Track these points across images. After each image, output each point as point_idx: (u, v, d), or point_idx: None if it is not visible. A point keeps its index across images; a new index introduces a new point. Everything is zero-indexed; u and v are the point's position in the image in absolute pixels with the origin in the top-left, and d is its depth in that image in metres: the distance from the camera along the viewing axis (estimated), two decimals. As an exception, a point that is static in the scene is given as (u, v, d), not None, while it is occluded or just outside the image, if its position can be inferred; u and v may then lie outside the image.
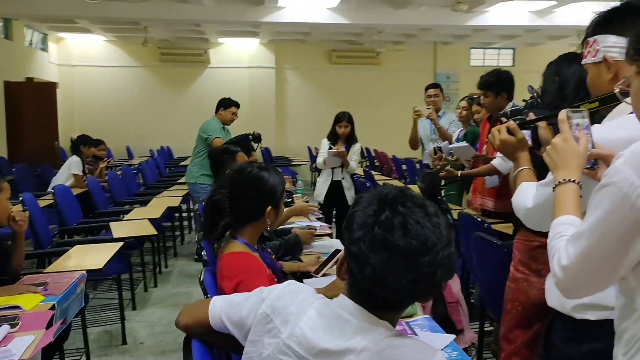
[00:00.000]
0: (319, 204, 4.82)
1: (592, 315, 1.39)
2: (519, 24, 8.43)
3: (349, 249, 0.98)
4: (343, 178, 4.95)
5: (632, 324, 1.04)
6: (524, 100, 2.19)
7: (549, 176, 1.35)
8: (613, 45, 1.38)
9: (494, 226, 2.99)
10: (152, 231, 3.83)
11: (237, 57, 11.23)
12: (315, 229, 3.04)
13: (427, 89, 5.03)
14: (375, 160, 10.44)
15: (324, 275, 2.30)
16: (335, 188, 4.91)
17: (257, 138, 4.91)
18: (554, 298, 1.50)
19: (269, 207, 1.78)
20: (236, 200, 1.77)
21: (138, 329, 3.78)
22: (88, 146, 6.09)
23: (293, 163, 10.06)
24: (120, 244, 3.23)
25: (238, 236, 1.77)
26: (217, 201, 1.78)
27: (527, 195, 1.43)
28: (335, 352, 0.98)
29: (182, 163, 9.53)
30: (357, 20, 8.07)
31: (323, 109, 11.29)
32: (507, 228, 2.99)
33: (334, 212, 4.98)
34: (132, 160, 9.84)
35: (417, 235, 0.94)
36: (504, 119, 1.87)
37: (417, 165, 7.47)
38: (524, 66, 11.53)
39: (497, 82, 3.51)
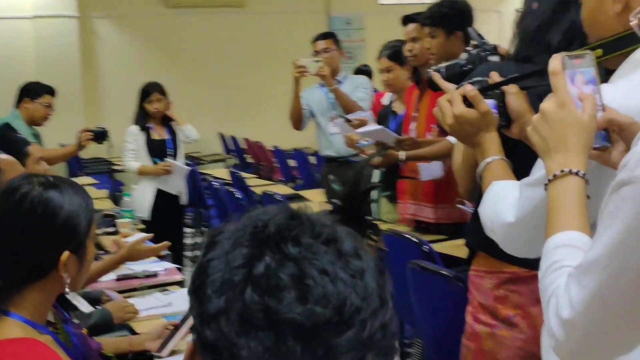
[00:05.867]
0: (143, 223, 3.70)
1: None
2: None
3: (201, 332, 0.59)
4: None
5: None
6: (466, 50, 1.64)
7: (539, 169, 1.04)
8: None
9: (436, 246, 2.43)
10: None
11: (14, 2, 7.71)
12: (155, 274, 2.50)
13: (315, 41, 4.06)
14: (246, 155, 7.77)
15: (171, 354, 1.80)
16: (168, 198, 3.88)
17: (101, 135, 3.68)
18: None
19: (66, 253, 1.18)
20: (3, 244, 1.17)
21: None
22: None
23: (115, 166, 6.67)
24: None
25: (11, 309, 1.18)
26: None
27: (504, 202, 1.09)
28: None
29: None
30: None
31: (159, 75, 7.60)
32: (457, 248, 2.39)
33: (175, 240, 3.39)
34: None
35: (326, 296, 0.58)
36: (437, 77, 1.50)
37: (313, 160, 6.09)
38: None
39: (451, 15, 2.69)
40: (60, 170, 6.86)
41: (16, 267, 1.15)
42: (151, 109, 3.84)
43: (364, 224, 1.51)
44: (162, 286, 2.42)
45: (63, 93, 7.17)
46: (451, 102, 1.16)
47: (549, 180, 0.89)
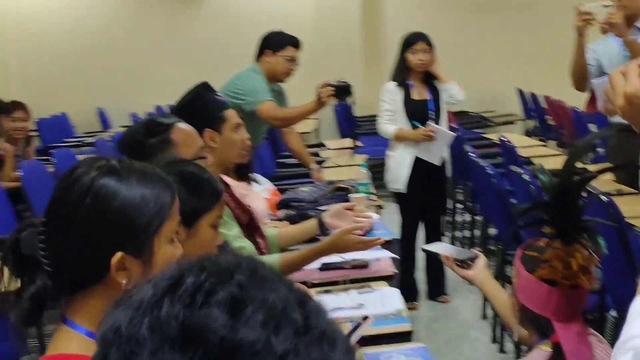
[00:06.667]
0: (397, 196, 3.53)
1: None
2: None
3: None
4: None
5: None
6: None
7: None
8: None
9: None
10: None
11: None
12: (366, 265, 2.10)
13: None
14: (547, 117, 6.50)
15: None
16: (427, 169, 3.43)
17: (343, 90, 3.27)
18: None
19: (118, 254, 0.97)
20: (54, 240, 0.99)
21: None
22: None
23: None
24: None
25: (70, 317, 1.00)
26: (23, 242, 0.98)
27: None
28: None
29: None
30: None
31: (450, 23, 6.77)
32: None
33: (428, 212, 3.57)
34: (110, 131, 6.42)
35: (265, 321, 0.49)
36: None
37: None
38: None
39: None
40: (329, 129, 6.46)
41: (65, 265, 0.98)
42: (414, 61, 3.39)
43: (577, 226, 1.20)
44: (367, 280, 1.99)
45: (339, 48, 6.62)
46: (626, 74, 0.90)
47: None
